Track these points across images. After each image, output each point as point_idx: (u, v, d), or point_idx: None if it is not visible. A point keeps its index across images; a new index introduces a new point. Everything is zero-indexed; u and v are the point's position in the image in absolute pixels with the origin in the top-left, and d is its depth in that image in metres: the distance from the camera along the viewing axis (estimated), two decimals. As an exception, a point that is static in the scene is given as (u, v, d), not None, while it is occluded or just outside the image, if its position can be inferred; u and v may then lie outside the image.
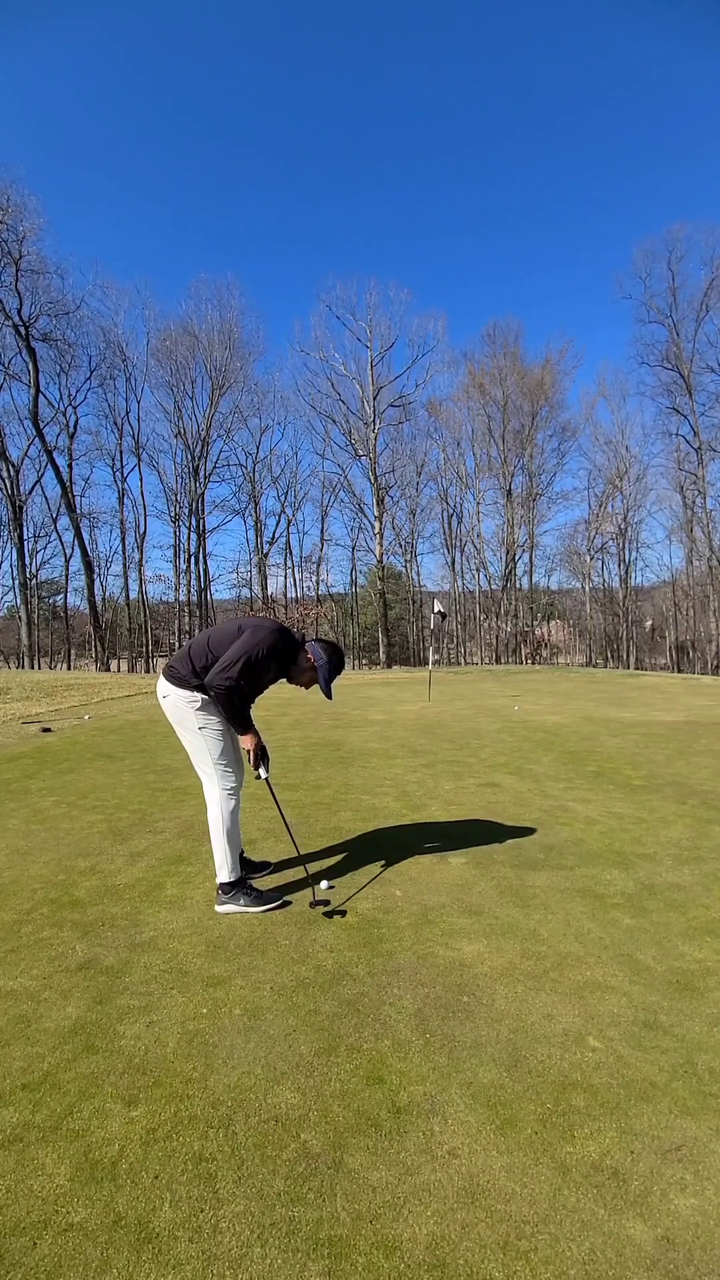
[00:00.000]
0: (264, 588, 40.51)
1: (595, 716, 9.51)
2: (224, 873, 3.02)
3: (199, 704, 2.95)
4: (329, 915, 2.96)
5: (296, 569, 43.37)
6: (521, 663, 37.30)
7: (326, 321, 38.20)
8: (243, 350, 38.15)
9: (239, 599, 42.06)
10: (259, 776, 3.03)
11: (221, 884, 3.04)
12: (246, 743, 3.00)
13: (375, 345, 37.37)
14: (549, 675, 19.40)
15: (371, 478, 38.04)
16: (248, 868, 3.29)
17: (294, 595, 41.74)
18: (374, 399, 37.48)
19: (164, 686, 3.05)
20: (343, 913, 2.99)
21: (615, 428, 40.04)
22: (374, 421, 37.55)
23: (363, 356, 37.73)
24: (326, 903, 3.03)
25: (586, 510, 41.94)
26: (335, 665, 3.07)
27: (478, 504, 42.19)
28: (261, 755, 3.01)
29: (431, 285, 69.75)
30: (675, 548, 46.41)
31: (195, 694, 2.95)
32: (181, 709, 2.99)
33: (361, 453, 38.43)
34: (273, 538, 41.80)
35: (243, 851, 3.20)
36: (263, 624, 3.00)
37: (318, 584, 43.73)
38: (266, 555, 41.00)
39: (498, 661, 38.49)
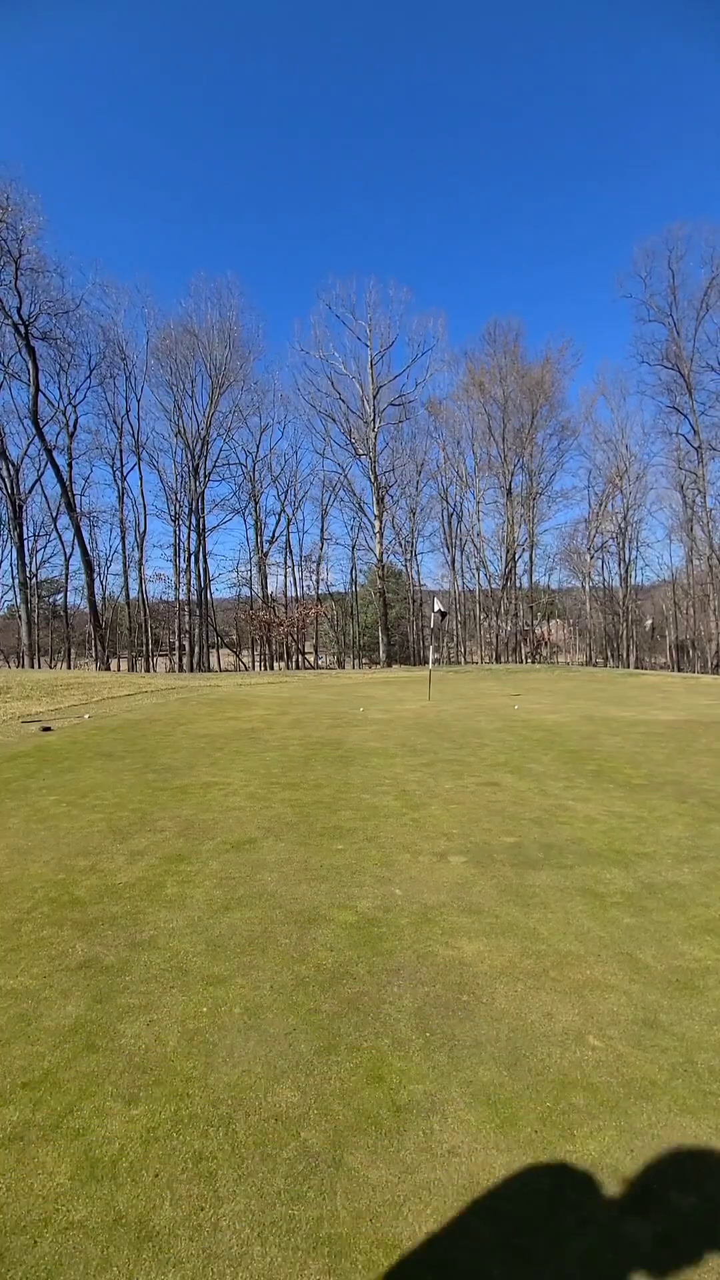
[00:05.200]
0: (264, 586, 40.52)
1: (595, 715, 9.51)
2: None
3: None
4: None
5: (296, 568, 43.37)
6: (521, 662, 37.25)
7: (326, 320, 38.08)
8: (242, 349, 38.10)
9: (239, 598, 42.09)
10: None
11: None
12: None
13: (375, 344, 37.23)
14: (549, 674, 19.38)
15: (371, 477, 37.94)
16: None
17: (294, 594, 41.77)
18: (374, 398, 37.36)
19: None
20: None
21: (615, 426, 39.97)
22: (374, 420, 37.44)
23: (362, 355, 37.61)
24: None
25: (586, 509, 41.90)
26: None
27: (478, 503, 42.14)
28: None
29: (432, 284, 69.41)
30: (675, 546, 46.40)
31: None
32: None
33: (361, 452, 38.33)
34: (273, 537, 41.77)
35: None
36: None
37: (317, 583, 43.73)
38: (266, 554, 40.95)
39: (498, 660, 38.46)
